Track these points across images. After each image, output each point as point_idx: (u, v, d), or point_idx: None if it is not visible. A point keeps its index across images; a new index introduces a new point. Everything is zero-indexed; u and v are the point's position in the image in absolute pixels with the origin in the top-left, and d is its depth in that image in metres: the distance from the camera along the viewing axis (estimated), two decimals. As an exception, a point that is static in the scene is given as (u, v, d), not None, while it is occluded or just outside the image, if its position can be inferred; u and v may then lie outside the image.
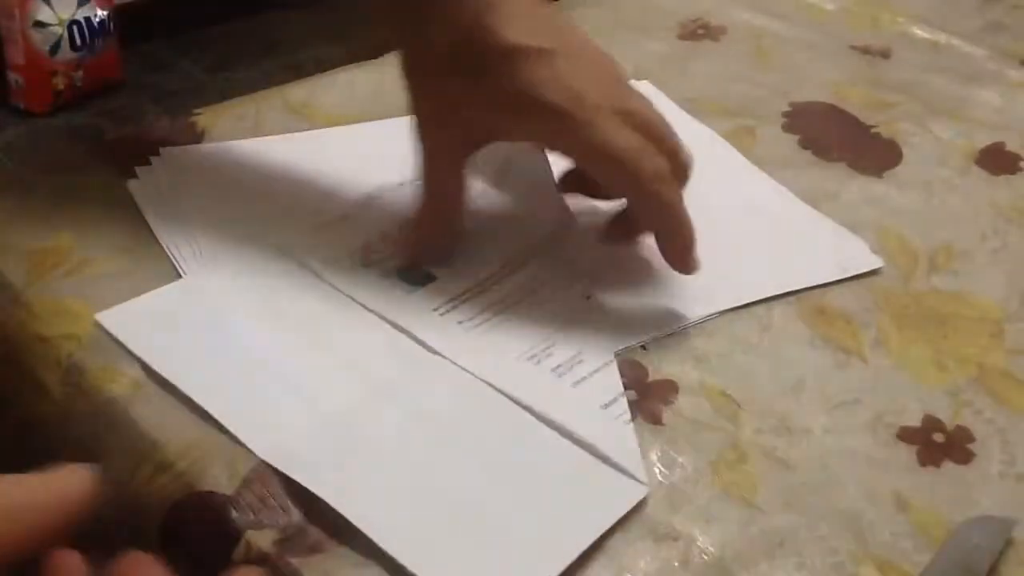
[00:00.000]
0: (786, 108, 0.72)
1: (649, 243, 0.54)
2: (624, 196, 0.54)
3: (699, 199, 0.62)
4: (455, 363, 0.50)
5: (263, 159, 0.62)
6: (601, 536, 0.43)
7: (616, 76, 0.54)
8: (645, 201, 0.52)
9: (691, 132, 0.68)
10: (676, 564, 0.43)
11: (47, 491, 0.35)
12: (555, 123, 0.50)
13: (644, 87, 0.73)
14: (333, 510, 0.42)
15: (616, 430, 0.47)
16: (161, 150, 0.61)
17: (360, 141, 0.65)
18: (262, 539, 0.42)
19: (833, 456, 0.48)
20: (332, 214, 0.58)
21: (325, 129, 0.66)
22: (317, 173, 0.61)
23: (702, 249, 0.53)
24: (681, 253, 0.53)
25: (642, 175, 0.50)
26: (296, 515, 0.43)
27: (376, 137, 0.65)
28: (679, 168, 0.53)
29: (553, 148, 0.54)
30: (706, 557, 0.43)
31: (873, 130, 0.71)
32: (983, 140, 0.70)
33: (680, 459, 0.47)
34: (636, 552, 0.43)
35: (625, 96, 0.53)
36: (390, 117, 0.65)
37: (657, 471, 0.46)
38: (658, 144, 0.51)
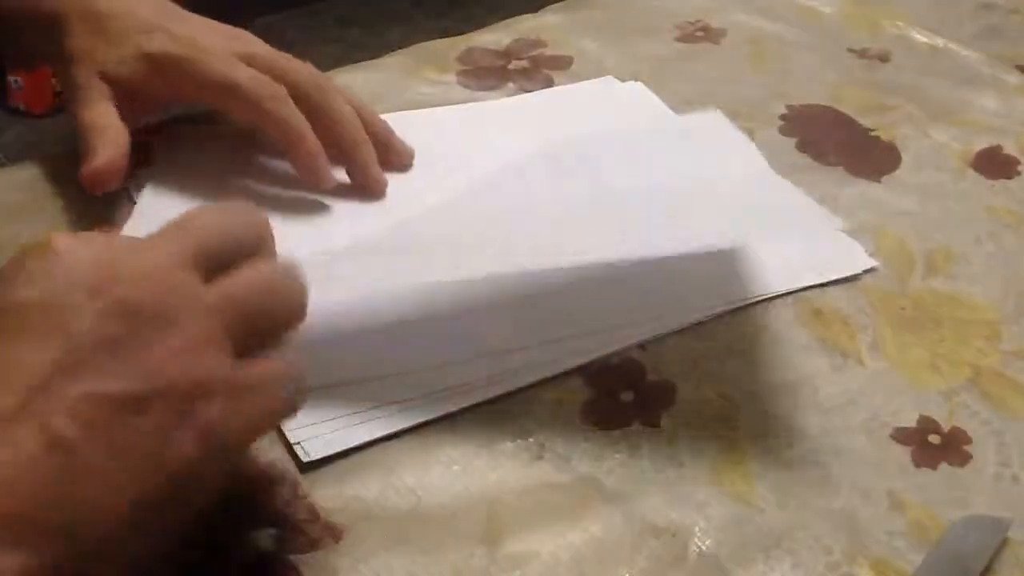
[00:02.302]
0: (784, 111, 0.72)
1: (650, 248, 0.54)
2: (249, 121, 0.59)
3: (693, 202, 0.62)
4: None
5: (263, 151, 0.62)
6: (600, 531, 0.43)
7: (234, 32, 0.61)
8: (264, 121, 0.58)
9: (697, 123, 0.68)
10: (672, 560, 0.43)
11: None
12: (175, 68, 0.57)
13: (635, 88, 0.73)
14: (333, 505, 0.43)
15: None
16: (153, 140, 0.62)
17: None
18: (261, 535, 0.42)
19: (829, 456, 0.48)
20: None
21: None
22: None
23: (700, 252, 0.53)
24: (306, 165, 0.59)
25: (257, 98, 0.57)
26: (297, 512, 0.43)
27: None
28: (301, 93, 0.59)
29: (184, 93, 0.60)
30: (702, 555, 0.43)
31: (871, 133, 0.71)
32: (980, 144, 0.70)
33: (678, 458, 0.47)
34: (633, 549, 0.43)
35: (244, 44, 0.60)
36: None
37: (655, 470, 0.47)
38: (278, 76, 0.58)
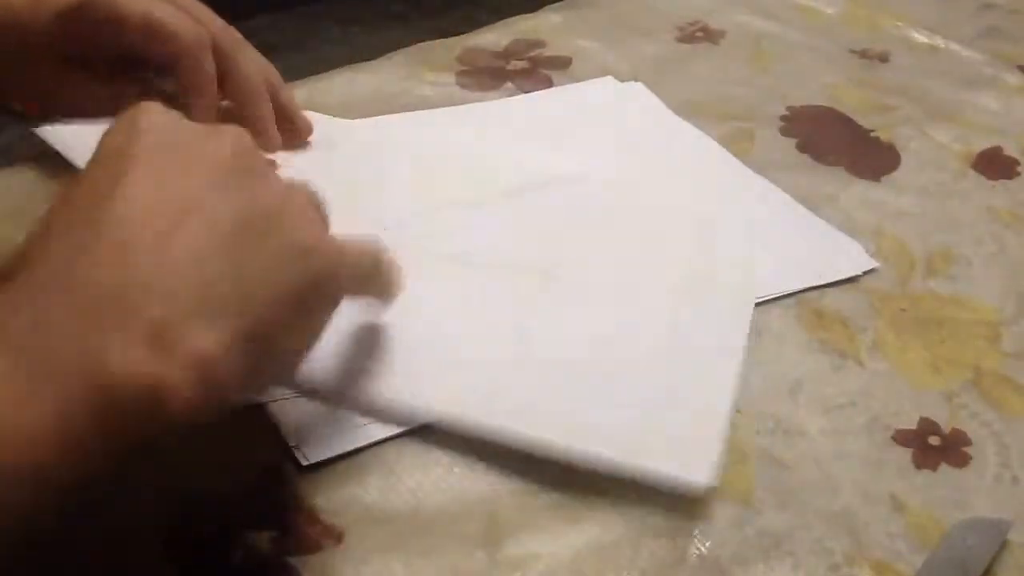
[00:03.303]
0: (784, 111, 0.72)
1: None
2: (162, 62, 0.57)
3: (693, 203, 0.62)
4: None
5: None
6: (600, 533, 0.43)
7: None
8: (184, 65, 0.56)
9: (685, 136, 0.68)
10: (672, 562, 0.43)
11: None
12: (92, 12, 0.55)
13: (636, 88, 0.73)
14: (333, 508, 0.43)
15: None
16: None
17: (357, 133, 0.65)
18: (260, 537, 0.42)
19: (829, 458, 0.48)
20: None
21: (320, 115, 0.65)
22: (310, 161, 0.61)
23: (697, 252, 0.53)
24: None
25: (183, 41, 0.55)
26: (295, 512, 0.43)
27: (373, 130, 0.65)
28: (216, 42, 0.57)
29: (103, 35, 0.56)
30: (702, 557, 0.43)
31: (871, 134, 0.71)
32: (980, 144, 0.70)
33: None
34: (633, 551, 0.43)
35: None
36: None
37: (654, 472, 0.47)
38: (195, 19, 0.56)
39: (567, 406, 0.48)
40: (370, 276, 0.44)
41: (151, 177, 0.35)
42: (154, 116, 0.38)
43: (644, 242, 0.58)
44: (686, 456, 0.45)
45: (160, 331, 0.32)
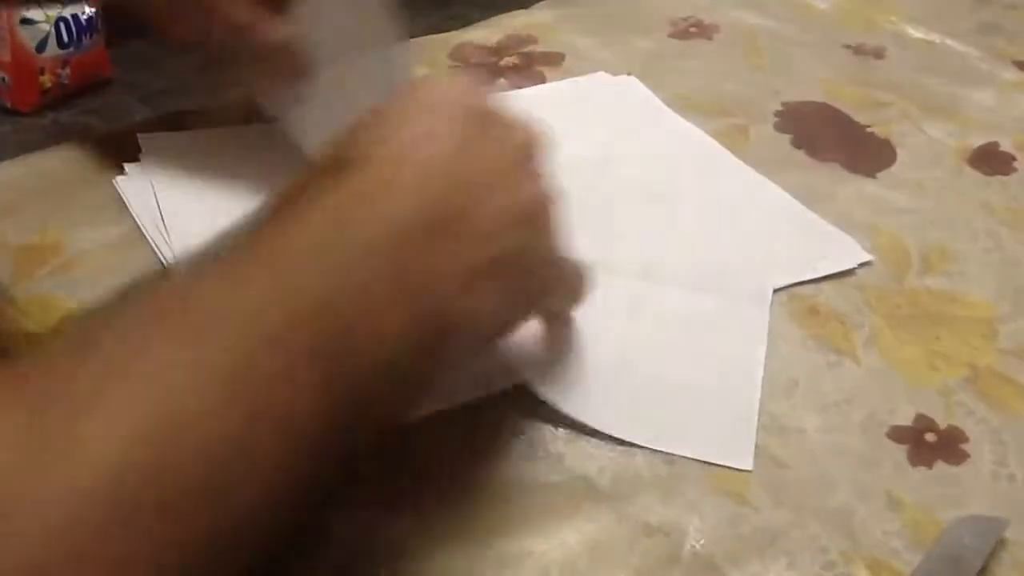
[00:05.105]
0: (779, 107, 0.72)
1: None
2: None
3: (687, 198, 0.62)
4: None
5: (250, 148, 0.62)
6: (594, 531, 0.43)
7: None
8: None
9: (679, 131, 0.68)
10: (666, 560, 0.42)
11: None
12: None
13: (629, 83, 0.73)
14: (329, 506, 0.42)
15: None
16: (140, 136, 0.61)
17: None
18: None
19: (825, 455, 0.47)
20: None
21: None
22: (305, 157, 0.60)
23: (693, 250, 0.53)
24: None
25: None
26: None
27: None
28: None
29: None
30: (696, 555, 0.43)
31: (867, 130, 0.70)
32: (976, 140, 0.70)
33: (671, 456, 0.47)
34: (626, 549, 0.43)
35: None
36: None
37: (648, 468, 0.46)
38: None
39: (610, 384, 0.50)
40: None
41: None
42: None
43: (652, 232, 0.58)
44: (727, 442, 0.47)
45: None
